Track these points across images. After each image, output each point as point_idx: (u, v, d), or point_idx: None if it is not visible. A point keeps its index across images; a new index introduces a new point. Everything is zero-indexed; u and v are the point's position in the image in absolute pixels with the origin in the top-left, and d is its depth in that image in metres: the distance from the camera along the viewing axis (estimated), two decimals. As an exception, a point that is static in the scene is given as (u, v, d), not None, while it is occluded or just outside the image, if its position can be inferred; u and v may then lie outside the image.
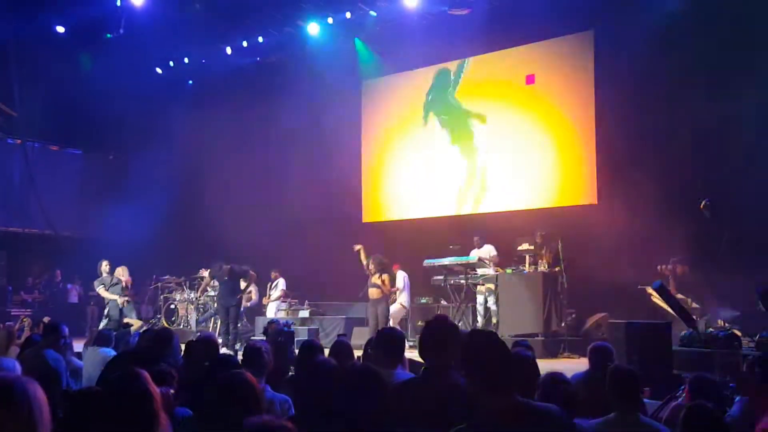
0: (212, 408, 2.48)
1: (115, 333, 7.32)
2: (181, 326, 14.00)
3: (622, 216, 11.11)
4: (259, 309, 14.49)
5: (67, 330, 6.04)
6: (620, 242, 10.83)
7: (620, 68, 12.09)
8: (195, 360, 4.97)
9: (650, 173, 11.28)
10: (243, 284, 12.17)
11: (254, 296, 14.26)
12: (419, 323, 12.25)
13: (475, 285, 11.87)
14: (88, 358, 6.61)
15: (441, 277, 12.42)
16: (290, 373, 5.54)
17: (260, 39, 15.61)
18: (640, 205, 10.92)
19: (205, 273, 13.18)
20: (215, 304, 12.86)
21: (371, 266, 11.24)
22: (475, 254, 12.07)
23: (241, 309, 12.41)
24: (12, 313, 14.33)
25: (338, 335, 8.49)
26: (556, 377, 3.69)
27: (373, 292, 11.24)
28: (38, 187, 16.19)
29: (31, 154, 16.50)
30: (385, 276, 11.21)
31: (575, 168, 13.05)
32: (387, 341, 4.04)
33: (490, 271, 11.67)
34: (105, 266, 12.37)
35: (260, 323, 12.93)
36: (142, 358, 4.73)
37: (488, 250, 12.11)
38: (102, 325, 11.96)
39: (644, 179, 11.17)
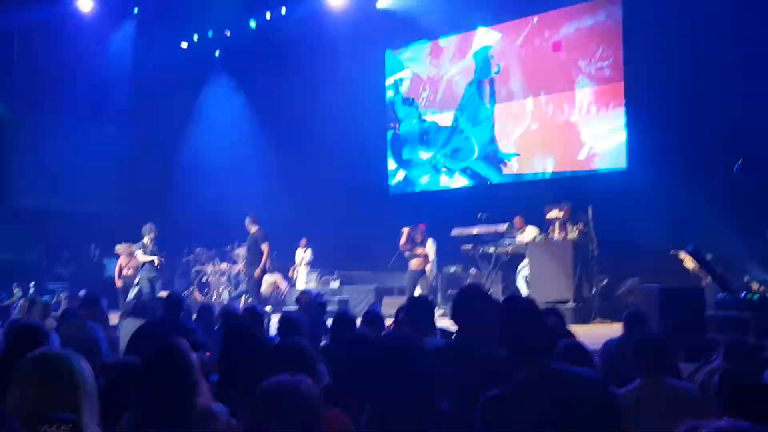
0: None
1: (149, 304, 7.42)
2: (213, 298, 14.19)
3: (653, 180, 10.97)
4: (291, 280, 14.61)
5: (105, 302, 6.15)
6: (651, 206, 10.70)
7: (649, 29, 11.84)
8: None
9: (681, 135, 11.10)
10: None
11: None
12: (449, 292, 12.27)
13: (506, 254, 11.81)
14: (125, 329, 6.72)
15: (470, 246, 12.39)
16: (322, 343, 5.59)
17: (283, 10, 15.56)
18: (672, 168, 10.77)
19: (241, 250, 13.23)
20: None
21: (419, 236, 11.27)
22: (518, 237, 11.85)
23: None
24: (49, 287, 14.63)
25: (371, 305, 8.53)
26: (575, 347, 3.66)
27: (414, 263, 11.27)
28: (69, 163, 16.40)
29: (62, 131, 16.69)
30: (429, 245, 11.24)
31: (604, 132, 12.87)
32: (418, 309, 4.05)
33: (523, 239, 11.57)
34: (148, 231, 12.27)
35: (291, 294, 13.07)
36: (164, 327, 4.82)
37: (530, 233, 11.82)
38: (133, 293, 12.06)
39: (675, 141, 10.99)
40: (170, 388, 2.63)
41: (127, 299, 11.36)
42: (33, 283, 13.46)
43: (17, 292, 12.20)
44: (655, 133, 11.61)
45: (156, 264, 12.13)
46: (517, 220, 11.99)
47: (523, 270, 11.52)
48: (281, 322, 4.43)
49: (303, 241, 14.46)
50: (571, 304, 10.08)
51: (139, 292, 11.99)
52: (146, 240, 12.12)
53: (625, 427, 2.56)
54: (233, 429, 2.71)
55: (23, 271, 14.36)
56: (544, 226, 11.29)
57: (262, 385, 2.19)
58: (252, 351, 3.30)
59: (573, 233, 10.67)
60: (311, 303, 7.51)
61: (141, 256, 12.19)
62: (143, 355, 2.88)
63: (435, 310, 4.25)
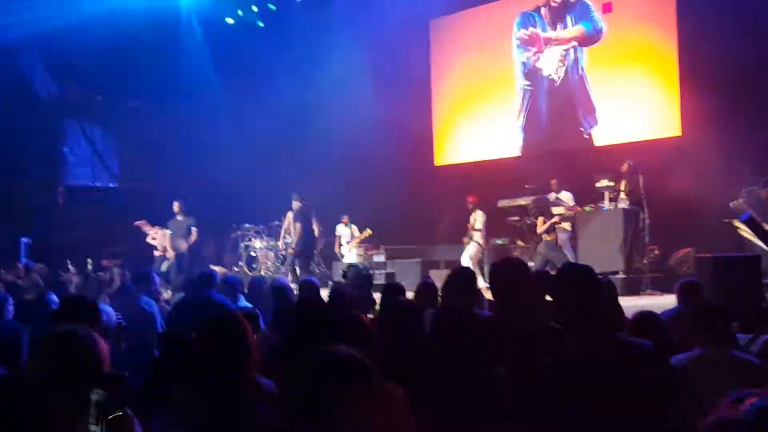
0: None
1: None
2: (262, 272, 14.37)
3: (708, 147, 10.65)
4: (333, 254, 14.71)
5: (157, 277, 6.28)
6: (706, 175, 10.40)
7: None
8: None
9: (738, 100, 10.74)
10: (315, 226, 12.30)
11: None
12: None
13: (553, 224, 11.68)
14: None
15: (517, 218, 12.27)
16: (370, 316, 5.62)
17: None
18: (727, 135, 10.44)
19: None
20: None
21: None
22: (552, 197, 11.80)
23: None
24: (103, 264, 15.00)
25: (423, 278, 8.53)
26: (647, 315, 3.62)
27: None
28: (120, 142, 16.74)
29: (112, 110, 17.01)
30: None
31: (657, 99, 12.55)
32: (458, 281, 4.03)
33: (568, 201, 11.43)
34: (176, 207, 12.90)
35: (336, 268, 13.16)
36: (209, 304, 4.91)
37: (566, 198, 11.75)
38: (164, 266, 12.49)
39: (731, 107, 10.64)
40: (224, 359, 2.67)
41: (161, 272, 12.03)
42: (89, 259, 13.82)
43: (72, 269, 12.53)
44: (710, 100, 11.25)
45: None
46: (553, 183, 11.87)
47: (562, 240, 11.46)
48: (332, 294, 4.46)
49: (345, 219, 14.50)
50: (621, 275, 9.92)
51: (177, 266, 12.42)
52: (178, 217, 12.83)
53: (683, 397, 2.51)
54: (278, 401, 2.74)
55: (78, 249, 14.74)
56: (593, 194, 11.10)
57: (314, 354, 2.20)
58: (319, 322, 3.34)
59: (623, 202, 10.46)
60: (358, 276, 7.55)
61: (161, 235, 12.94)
62: (199, 326, 2.92)
63: (475, 279, 4.22)
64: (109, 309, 4.02)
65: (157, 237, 13.27)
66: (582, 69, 13.60)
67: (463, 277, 4.07)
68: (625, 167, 10.54)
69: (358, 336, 2.89)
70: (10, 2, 13.55)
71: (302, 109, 16.39)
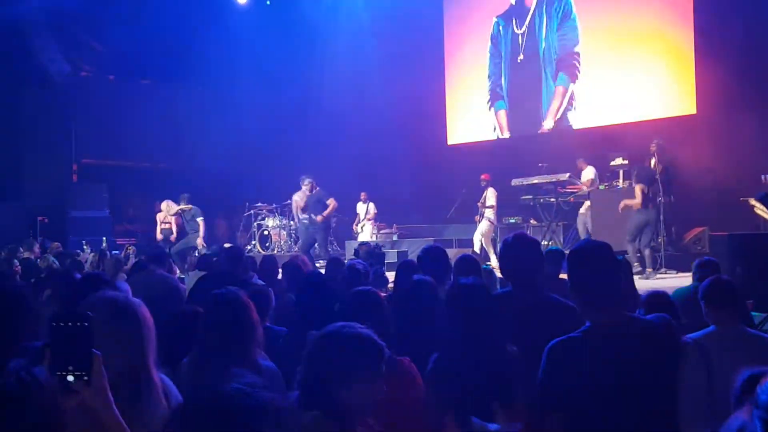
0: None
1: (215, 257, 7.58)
2: (275, 251, 14.43)
3: (724, 125, 10.54)
4: (349, 233, 14.75)
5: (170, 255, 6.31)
6: (721, 153, 10.32)
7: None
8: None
9: (754, 78, 10.59)
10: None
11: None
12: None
13: (566, 203, 11.63)
14: (191, 281, 6.91)
15: (530, 197, 12.22)
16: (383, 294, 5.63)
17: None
18: (743, 114, 10.32)
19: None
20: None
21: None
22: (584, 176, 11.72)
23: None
24: (117, 242, 15.12)
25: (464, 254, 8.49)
26: (658, 295, 3.60)
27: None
28: (133, 121, 16.78)
29: (125, 89, 17.05)
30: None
31: (672, 76, 12.40)
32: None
33: (589, 175, 11.35)
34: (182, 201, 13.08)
35: (350, 246, 13.19)
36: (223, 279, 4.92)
37: (588, 173, 11.64)
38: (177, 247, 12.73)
39: (747, 85, 10.50)
40: (228, 335, 2.69)
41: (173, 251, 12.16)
42: (105, 238, 13.93)
43: (87, 248, 12.64)
44: (726, 77, 11.10)
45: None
46: (580, 161, 11.80)
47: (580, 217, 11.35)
48: (348, 271, 4.47)
49: (363, 195, 14.50)
50: (636, 254, 9.87)
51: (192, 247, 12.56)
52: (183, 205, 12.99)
53: (697, 375, 2.50)
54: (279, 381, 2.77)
55: (93, 227, 14.87)
56: (607, 173, 11.03)
57: (322, 330, 2.20)
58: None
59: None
60: (370, 254, 7.58)
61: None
62: (205, 303, 2.95)
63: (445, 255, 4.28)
64: (126, 286, 4.04)
65: (170, 220, 13.41)
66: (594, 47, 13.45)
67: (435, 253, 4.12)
68: (653, 147, 10.38)
69: (373, 311, 2.90)
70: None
71: (316, 88, 16.37)
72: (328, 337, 2.15)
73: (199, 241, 12.72)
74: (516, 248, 3.31)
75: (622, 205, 9.70)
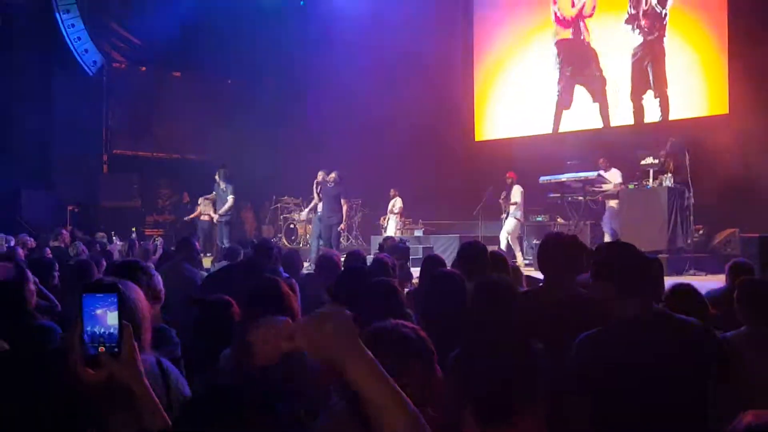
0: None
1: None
2: (301, 245, 14.49)
3: (757, 125, 10.35)
4: (372, 228, 14.75)
5: (198, 245, 6.37)
6: (753, 153, 10.14)
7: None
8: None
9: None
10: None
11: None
12: (535, 242, 12.09)
13: (594, 201, 11.51)
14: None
15: (558, 195, 12.11)
16: (407, 288, 5.63)
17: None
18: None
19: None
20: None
21: None
22: (606, 176, 11.54)
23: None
24: (146, 233, 15.30)
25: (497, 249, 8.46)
26: (686, 288, 3.55)
27: None
28: (164, 113, 16.96)
29: (156, 81, 17.23)
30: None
31: (704, 76, 12.22)
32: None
33: (610, 186, 11.21)
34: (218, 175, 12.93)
35: (375, 241, 13.19)
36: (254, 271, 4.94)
37: (614, 175, 11.48)
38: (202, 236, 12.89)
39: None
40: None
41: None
42: (134, 228, 14.10)
43: (116, 238, 12.80)
44: (759, 77, 10.91)
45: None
46: (602, 161, 11.65)
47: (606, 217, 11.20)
48: (374, 264, 4.47)
49: (393, 191, 14.46)
50: (664, 255, 9.74)
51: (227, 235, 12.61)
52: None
53: (731, 374, 2.47)
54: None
55: (123, 218, 15.06)
56: (637, 171, 10.88)
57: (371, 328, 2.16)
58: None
59: (667, 181, 10.24)
60: (395, 248, 7.56)
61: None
62: (244, 293, 2.95)
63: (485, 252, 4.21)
64: (158, 276, 4.08)
65: (202, 208, 13.60)
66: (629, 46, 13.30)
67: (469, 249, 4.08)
68: (668, 145, 10.28)
69: (391, 302, 2.88)
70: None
71: (344, 83, 16.37)
72: (380, 336, 2.10)
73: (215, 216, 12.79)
74: (549, 245, 3.30)
75: None
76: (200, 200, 13.85)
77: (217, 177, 12.88)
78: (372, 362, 1.30)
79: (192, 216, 14.07)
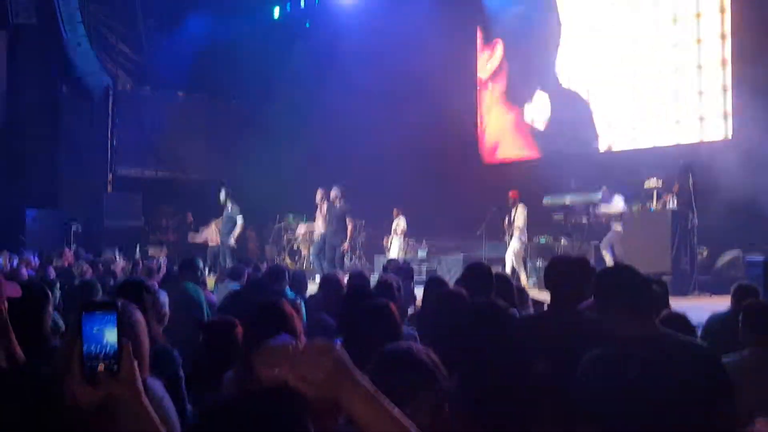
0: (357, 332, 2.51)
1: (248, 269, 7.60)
2: (304, 265, 14.48)
3: (760, 150, 10.37)
4: (378, 248, 14.74)
5: (202, 264, 6.36)
6: (756, 178, 10.13)
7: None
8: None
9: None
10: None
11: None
12: (538, 263, 12.07)
13: (598, 223, 11.50)
14: (220, 292, 6.96)
15: (561, 216, 12.11)
16: (410, 310, 5.61)
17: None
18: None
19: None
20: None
21: None
22: (602, 207, 11.54)
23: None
24: (149, 252, 15.31)
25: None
26: (678, 318, 3.54)
27: None
28: (168, 133, 17.06)
29: (161, 101, 17.34)
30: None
31: (708, 100, 12.25)
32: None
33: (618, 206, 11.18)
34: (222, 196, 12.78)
35: (378, 261, 13.18)
36: (261, 292, 4.94)
37: (617, 202, 11.40)
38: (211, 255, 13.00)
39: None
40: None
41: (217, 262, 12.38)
42: (138, 247, 14.13)
43: (120, 256, 12.81)
44: (762, 103, 10.94)
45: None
46: (603, 189, 11.64)
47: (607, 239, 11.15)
48: (378, 284, 4.47)
49: (395, 211, 14.46)
50: (668, 276, 9.72)
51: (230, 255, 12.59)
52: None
53: (734, 396, 2.46)
54: None
55: (126, 237, 15.08)
56: (641, 194, 10.89)
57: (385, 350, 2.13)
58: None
59: (671, 203, 10.25)
60: (398, 270, 7.55)
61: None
62: (248, 314, 2.94)
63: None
64: (162, 295, 4.09)
65: (208, 234, 13.69)
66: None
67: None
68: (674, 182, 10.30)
69: (386, 325, 2.86)
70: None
71: (347, 103, 16.45)
72: (391, 359, 2.07)
73: (232, 241, 12.65)
74: (557, 267, 3.31)
75: None
76: (214, 222, 13.94)
77: (221, 197, 12.75)
78: (369, 394, 1.28)
79: (199, 241, 14.13)
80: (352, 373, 1.28)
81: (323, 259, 12.16)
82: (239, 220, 12.56)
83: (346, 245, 12.08)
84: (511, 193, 12.16)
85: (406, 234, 14.37)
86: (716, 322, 4.07)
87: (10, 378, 2.37)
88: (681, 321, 3.48)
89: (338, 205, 12.02)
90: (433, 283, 4.42)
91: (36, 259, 10.52)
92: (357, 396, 1.27)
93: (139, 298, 3.12)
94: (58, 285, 5.66)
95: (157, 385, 2.24)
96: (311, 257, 13.06)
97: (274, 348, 1.33)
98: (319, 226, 12.74)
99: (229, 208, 12.65)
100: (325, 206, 12.53)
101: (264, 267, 8.56)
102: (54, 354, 2.99)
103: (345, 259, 12.80)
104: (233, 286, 6.76)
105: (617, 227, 11.10)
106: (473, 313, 2.93)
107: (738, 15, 11.71)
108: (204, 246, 15.10)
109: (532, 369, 2.68)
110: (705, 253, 10.63)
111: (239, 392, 1.62)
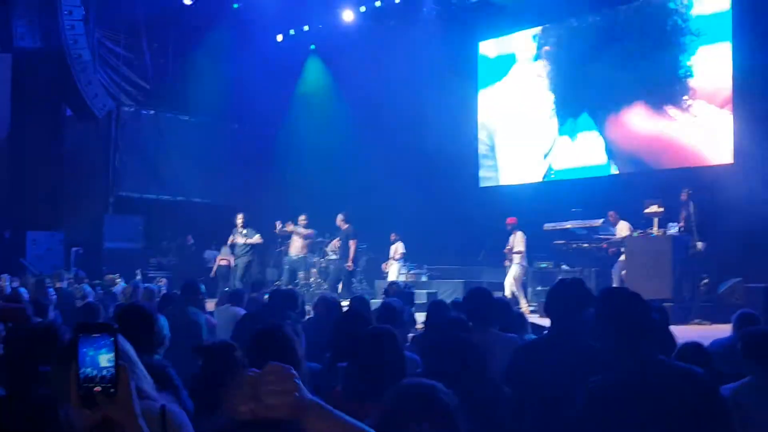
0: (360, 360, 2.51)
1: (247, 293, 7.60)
2: (304, 289, 14.44)
3: (762, 175, 10.41)
4: (377, 272, 14.72)
5: (203, 287, 6.36)
6: (758, 203, 10.16)
7: (760, 20, 11.23)
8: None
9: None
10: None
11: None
12: (538, 288, 12.06)
13: (599, 248, 11.50)
14: (220, 316, 6.94)
15: (562, 241, 12.11)
16: (410, 334, 5.60)
17: (378, 3, 15.74)
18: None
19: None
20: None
21: None
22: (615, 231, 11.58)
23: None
24: (149, 275, 15.27)
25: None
26: (691, 346, 3.55)
27: None
28: (170, 156, 17.12)
29: (164, 124, 17.44)
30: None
31: (709, 125, 12.31)
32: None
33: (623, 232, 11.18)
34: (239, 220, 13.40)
35: (380, 286, 13.16)
36: (270, 316, 4.92)
37: (622, 228, 11.38)
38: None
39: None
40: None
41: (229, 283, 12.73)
42: (139, 270, 14.10)
43: (120, 280, 12.77)
44: (763, 128, 11.00)
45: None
46: (611, 214, 11.65)
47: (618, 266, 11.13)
48: (382, 309, 4.46)
49: (393, 236, 14.48)
50: (669, 303, 9.69)
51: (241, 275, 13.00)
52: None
53: (733, 425, 2.45)
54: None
55: (127, 259, 15.06)
56: (642, 221, 10.89)
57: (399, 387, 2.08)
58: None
59: (673, 229, 10.24)
60: (399, 294, 7.54)
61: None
62: (248, 338, 2.94)
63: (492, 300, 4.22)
64: (162, 319, 4.08)
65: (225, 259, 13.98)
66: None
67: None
68: (684, 196, 10.30)
69: (387, 350, 2.86)
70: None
71: (349, 128, 16.56)
72: (404, 395, 2.02)
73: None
74: (558, 293, 3.31)
75: None
76: (223, 249, 14.06)
77: (238, 223, 13.40)
78: (324, 411, 1.36)
79: (215, 268, 14.33)
80: (306, 393, 1.36)
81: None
82: (257, 237, 13.43)
83: (350, 263, 12.51)
84: (508, 220, 12.21)
85: (406, 258, 14.37)
86: (718, 348, 4.06)
87: (5, 402, 2.36)
88: (696, 350, 3.49)
89: (343, 229, 12.40)
90: (435, 308, 4.42)
91: (35, 280, 10.44)
92: (316, 413, 1.36)
93: (140, 326, 3.12)
94: (52, 306, 5.63)
95: (179, 412, 2.22)
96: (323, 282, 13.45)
97: (240, 387, 1.37)
98: (297, 247, 13.51)
99: (245, 233, 13.33)
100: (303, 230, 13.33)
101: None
102: (47, 377, 2.98)
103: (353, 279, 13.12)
104: (233, 309, 6.75)
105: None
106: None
107: (739, 48, 11.81)
108: (207, 269, 15.11)
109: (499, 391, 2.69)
110: (706, 280, 10.61)
111: (236, 420, 1.59)
